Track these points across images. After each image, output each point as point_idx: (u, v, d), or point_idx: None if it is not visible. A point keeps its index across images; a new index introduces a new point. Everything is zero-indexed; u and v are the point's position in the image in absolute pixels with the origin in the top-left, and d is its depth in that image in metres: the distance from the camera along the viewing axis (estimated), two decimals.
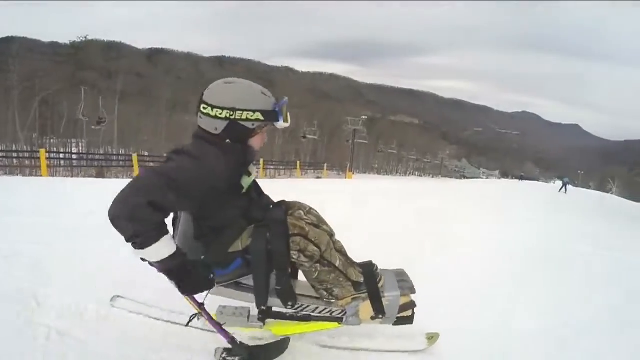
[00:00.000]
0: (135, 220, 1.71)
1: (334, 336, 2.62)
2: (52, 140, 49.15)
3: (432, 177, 77.91)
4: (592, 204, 23.51)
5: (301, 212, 2.37)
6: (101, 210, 1.78)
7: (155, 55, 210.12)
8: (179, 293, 2.00)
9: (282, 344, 2.41)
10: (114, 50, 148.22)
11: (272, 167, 38.50)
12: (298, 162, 33.62)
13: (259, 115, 2.10)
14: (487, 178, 79.05)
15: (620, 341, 3.12)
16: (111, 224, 1.70)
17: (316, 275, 2.28)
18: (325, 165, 37.40)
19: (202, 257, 2.12)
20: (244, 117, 2.07)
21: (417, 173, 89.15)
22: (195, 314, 2.27)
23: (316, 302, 2.35)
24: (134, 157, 17.22)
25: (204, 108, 2.07)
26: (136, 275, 2.83)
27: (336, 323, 2.40)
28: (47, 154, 17.39)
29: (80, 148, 47.01)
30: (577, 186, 55.31)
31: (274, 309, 2.40)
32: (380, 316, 2.37)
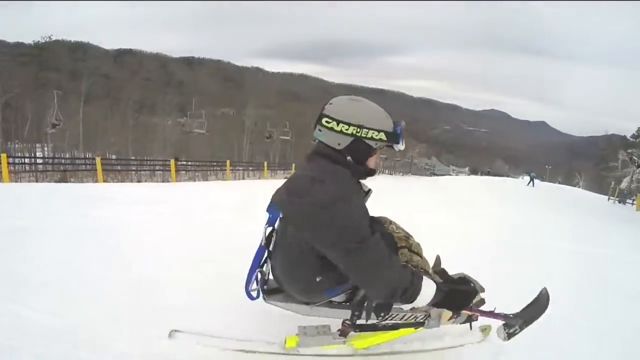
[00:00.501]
0: (380, 283, 1.93)
1: (406, 342, 2.71)
2: (17, 145, 48.12)
3: (402, 175, 78.32)
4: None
5: (393, 226, 2.51)
6: None
7: (122, 55, 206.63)
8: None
9: (543, 298, 2.43)
10: (80, 50, 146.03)
11: (240, 168, 38.42)
12: (265, 163, 33.35)
13: (382, 136, 2.09)
14: (456, 175, 79.90)
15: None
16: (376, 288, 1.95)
17: None
18: (294, 165, 37.27)
19: (318, 278, 2.14)
20: (369, 135, 2.06)
21: (387, 171, 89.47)
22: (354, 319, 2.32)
23: (401, 309, 2.35)
24: (97, 160, 16.93)
25: (328, 122, 2.07)
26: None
27: (413, 328, 2.45)
28: (11, 159, 17.00)
29: (46, 152, 46.24)
30: (544, 180, 56.87)
31: (358, 321, 2.35)
32: (456, 316, 2.41)
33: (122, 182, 23.66)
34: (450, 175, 71.92)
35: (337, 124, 2.04)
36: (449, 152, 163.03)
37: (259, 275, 2.40)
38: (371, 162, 2.19)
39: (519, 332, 2.32)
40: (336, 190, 1.90)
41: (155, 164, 30.02)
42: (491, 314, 2.40)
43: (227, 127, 66.15)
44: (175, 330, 2.62)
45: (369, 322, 2.30)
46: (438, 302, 2.10)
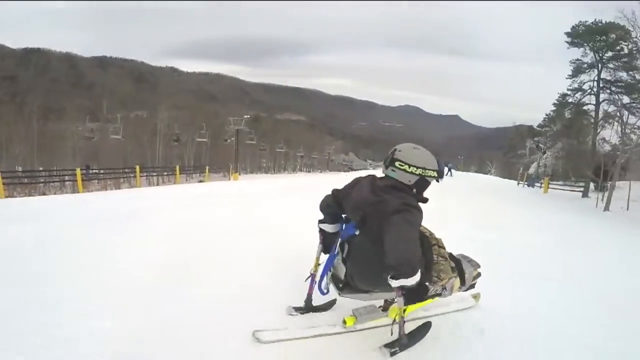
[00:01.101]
0: (409, 268, 2.66)
1: (427, 309, 3.70)
2: None
3: (321, 172, 79.01)
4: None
5: (422, 227, 3.28)
6: None
7: (29, 55, 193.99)
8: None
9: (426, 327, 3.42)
10: None
11: (154, 174, 37.63)
12: (177, 167, 32.72)
13: (435, 174, 3.03)
14: (374, 169, 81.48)
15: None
16: (403, 273, 2.65)
17: (437, 266, 3.19)
18: (207, 167, 36.94)
19: (384, 275, 2.75)
20: (428, 174, 3.00)
21: (305, 169, 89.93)
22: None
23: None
24: None
25: (401, 165, 2.96)
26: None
27: (432, 299, 3.32)
28: None
29: None
30: (458, 170, 59.59)
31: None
32: (462, 287, 3.48)
33: (29, 196, 22.80)
34: (367, 169, 73.18)
35: (409, 167, 2.96)
36: (366, 148, 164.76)
37: (329, 275, 3.35)
38: (425, 193, 3.11)
39: (400, 352, 3.09)
40: (415, 203, 2.89)
41: (64, 174, 28.51)
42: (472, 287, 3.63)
43: (141, 131, 63.99)
44: (257, 331, 3.18)
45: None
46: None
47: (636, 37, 22.76)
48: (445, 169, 42.22)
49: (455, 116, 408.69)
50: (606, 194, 22.54)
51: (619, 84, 30.25)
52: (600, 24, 30.06)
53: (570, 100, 32.81)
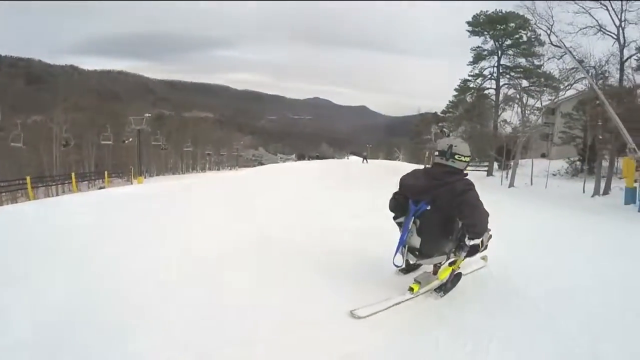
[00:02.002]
0: (484, 229, 4.00)
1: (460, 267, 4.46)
2: None
3: (230, 169, 77.90)
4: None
5: None
6: None
7: None
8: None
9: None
10: None
11: (53, 183, 35.41)
12: (73, 175, 30.48)
13: (469, 159, 4.11)
14: (284, 162, 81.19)
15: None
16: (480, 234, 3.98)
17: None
18: (106, 172, 34.95)
19: (446, 241, 4.08)
20: (450, 151, 3.98)
21: (215, 167, 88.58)
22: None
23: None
24: None
25: (459, 157, 3.98)
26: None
27: (478, 253, 4.43)
28: None
29: None
30: (366, 157, 61.12)
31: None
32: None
33: None
34: (277, 163, 72.92)
35: (464, 157, 4.01)
36: (276, 142, 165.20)
37: (404, 250, 4.11)
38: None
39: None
40: (471, 182, 3.94)
41: None
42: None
43: (39, 137, 57.58)
44: (353, 310, 3.66)
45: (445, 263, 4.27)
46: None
47: (535, 25, 23.34)
48: (353, 158, 43.81)
49: (364, 107, 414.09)
50: (510, 172, 23.79)
51: (518, 69, 31.57)
52: (500, 13, 31.13)
53: (471, 85, 33.93)
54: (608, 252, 6.77)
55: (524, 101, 26.32)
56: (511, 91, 30.69)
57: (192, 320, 3.51)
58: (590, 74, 20.40)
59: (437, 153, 4.06)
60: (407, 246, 4.10)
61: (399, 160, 70.59)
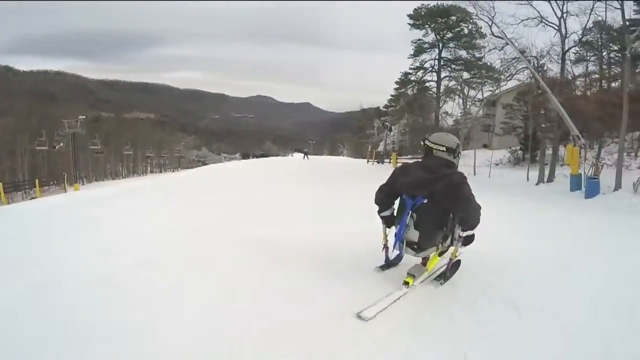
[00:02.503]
0: (477, 221, 3.97)
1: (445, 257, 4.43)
2: None
3: (173, 170, 76.24)
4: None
5: None
6: None
7: None
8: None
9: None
10: None
11: None
12: (0, 185, 28.39)
13: (460, 149, 4.21)
14: (228, 162, 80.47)
15: None
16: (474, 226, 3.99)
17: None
18: (37, 181, 33.07)
19: (439, 234, 4.08)
20: (458, 150, 4.15)
21: (157, 170, 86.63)
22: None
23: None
24: None
25: (440, 149, 4.04)
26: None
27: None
28: None
29: None
30: (311, 154, 61.21)
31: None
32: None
33: None
34: (221, 162, 71.93)
35: (445, 148, 4.05)
36: (219, 141, 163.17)
37: (401, 245, 4.10)
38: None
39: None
40: (464, 178, 3.91)
41: None
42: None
43: None
44: (359, 312, 3.49)
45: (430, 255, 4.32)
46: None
47: (476, 16, 23.47)
48: (296, 155, 43.92)
49: (307, 103, 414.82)
50: None
51: (459, 61, 31.90)
52: (441, 7, 31.30)
53: (412, 78, 34.17)
54: (565, 234, 7.36)
55: (465, 92, 26.58)
56: (452, 83, 31.05)
57: (185, 322, 3.34)
58: (532, 64, 20.82)
59: (443, 149, 4.08)
60: (404, 241, 4.12)
61: (343, 155, 70.98)
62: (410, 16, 32.64)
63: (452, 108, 31.71)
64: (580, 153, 15.58)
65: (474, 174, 22.77)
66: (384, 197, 4.33)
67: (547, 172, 19.55)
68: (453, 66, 32.38)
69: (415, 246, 4.06)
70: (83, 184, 42.54)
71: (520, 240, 6.37)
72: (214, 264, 4.82)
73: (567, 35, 20.16)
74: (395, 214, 4.35)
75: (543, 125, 21.50)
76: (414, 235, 4.01)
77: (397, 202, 4.30)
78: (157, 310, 3.50)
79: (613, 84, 25.63)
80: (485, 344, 3.08)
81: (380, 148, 43.16)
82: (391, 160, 33.34)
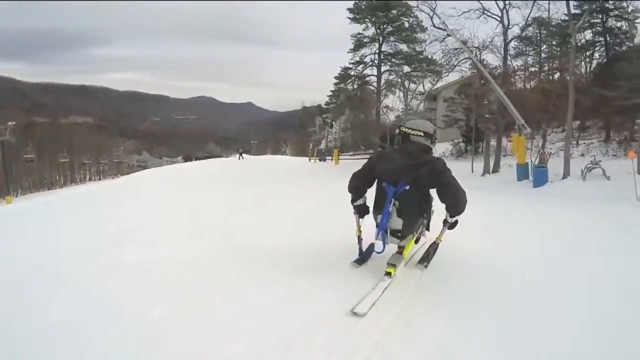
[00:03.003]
0: (465, 206, 3.93)
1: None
2: None
3: (112, 177, 73.76)
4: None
5: None
6: None
7: None
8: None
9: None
10: None
11: None
12: None
13: (436, 135, 4.39)
14: (170, 165, 79.16)
15: None
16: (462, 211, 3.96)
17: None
18: None
19: (421, 220, 4.19)
20: (435, 135, 4.31)
21: (96, 177, 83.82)
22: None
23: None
24: None
25: (416, 133, 4.15)
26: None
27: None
28: None
29: None
30: (252, 154, 61.36)
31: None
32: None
33: None
34: (163, 165, 70.62)
35: (423, 133, 4.19)
36: (160, 144, 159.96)
37: (385, 235, 4.06)
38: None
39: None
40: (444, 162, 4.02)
41: None
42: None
43: None
44: (353, 309, 3.33)
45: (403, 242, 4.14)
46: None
47: (417, 7, 23.40)
48: (237, 154, 44.71)
49: (249, 103, 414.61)
50: None
51: (400, 55, 31.77)
52: (382, 0, 30.99)
53: (352, 73, 33.90)
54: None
55: (406, 86, 26.59)
56: (392, 77, 31.13)
57: (171, 320, 3.24)
58: (474, 54, 20.82)
59: (421, 134, 4.15)
60: (388, 230, 4.05)
61: (286, 154, 70.62)
62: (350, 10, 32.31)
63: (392, 102, 31.71)
64: (527, 141, 15.67)
65: None
66: (359, 184, 4.30)
67: (492, 163, 19.59)
68: (394, 60, 32.25)
69: (399, 234, 4.02)
70: (17, 197, 40.12)
71: (484, 237, 5.96)
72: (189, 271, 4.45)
73: (510, 27, 20.30)
74: (366, 202, 4.38)
75: (487, 116, 21.45)
76: (397, 223, 3.97)
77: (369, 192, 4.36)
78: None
79: (551, 77, 26.52)
80: (476, 336, 3.04)
81: (323, 145, 43.84)
82: (333, 158, 33.53)
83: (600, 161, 14.36)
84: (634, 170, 12.79)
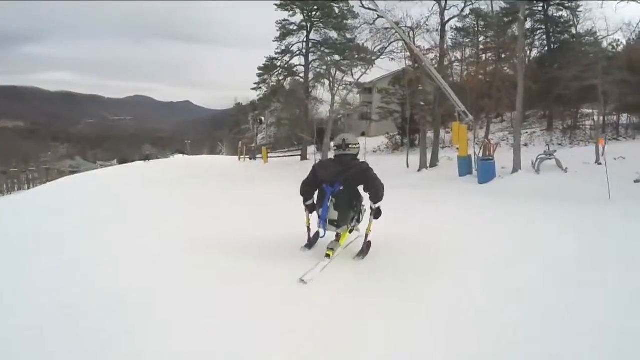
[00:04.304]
0: (383, 195, 4.85)
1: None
2: None
3: (41, 184, 69.62)
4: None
5: None
6: None
7: None
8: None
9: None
10: None
11: None
12: None
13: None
14: (104, 169, 75.88)
15: None
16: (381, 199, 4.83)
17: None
18: None
19: (353, 213, 4.98)
20: (360, 147, 5.41)
21: (27, 186, 79.26)
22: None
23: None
24: None
25: (352, 146, 5.06)
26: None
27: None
28: None
29: None
30: (187, 154, 63.73)
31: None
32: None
33: None
34: (95, 169, 67.70)
35: (356, 145, 5.16)
36: (94, 148, 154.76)
37: (325, 224, 4.95)
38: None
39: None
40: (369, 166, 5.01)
41: None
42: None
43: None
44: (301, 278, 4.13)
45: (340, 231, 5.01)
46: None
47: None
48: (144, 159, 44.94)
49: (187, 102, 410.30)
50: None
51: (329, 43, 30.58)
52: None
53: (278, 63, 31.93)
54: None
55: (334, 75, 25.10)
56: (320, 64, 29.81)
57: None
58: (407, 34, 19.47)
59: (335, 148, 5.26)
60: (327, 220, 4.95)
61: (222, 154, 69.07)
62: None
63: (321, 94, 30.28)
64: (468, 131, 13.97)
65: None
66: (308, 189, 5.26)
67: (430, 157, 18.08)
68: (323, 49, 30.46)
69: (336, 223, 4.94)
70: None
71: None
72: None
73: (447, 8, 19.49)
74: (315, 202, 5.21)
75: (422, 104, 19.83)
76: (334, 215, 4.92)
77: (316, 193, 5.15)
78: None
79: (489, 68, 25.83)
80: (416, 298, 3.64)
81: (255, 143, 42.34)
82: (262, 156, 32.00)
83: (555, 151, 13.16)
84: (595, 161, 11.80)
